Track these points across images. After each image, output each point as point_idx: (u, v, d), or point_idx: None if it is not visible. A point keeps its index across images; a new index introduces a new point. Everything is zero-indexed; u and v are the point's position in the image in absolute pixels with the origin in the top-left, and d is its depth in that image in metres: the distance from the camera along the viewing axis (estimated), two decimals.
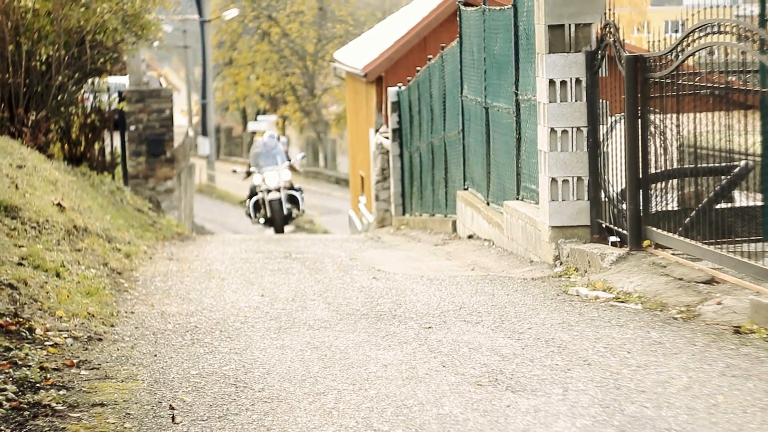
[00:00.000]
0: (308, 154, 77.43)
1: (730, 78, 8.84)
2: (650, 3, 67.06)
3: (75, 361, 7.22)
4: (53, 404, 6.20)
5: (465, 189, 16.97)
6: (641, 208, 10.19)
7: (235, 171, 28.71)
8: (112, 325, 8.65)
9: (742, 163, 9.04)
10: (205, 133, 59.57)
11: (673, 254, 9.76)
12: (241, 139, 76.07)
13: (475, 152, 16.09)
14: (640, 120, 10.17)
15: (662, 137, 10.06)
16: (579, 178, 11.26)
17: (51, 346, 7.54)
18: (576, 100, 11.21)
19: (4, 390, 6.32)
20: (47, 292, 8.93)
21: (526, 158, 12.82)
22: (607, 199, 11.03)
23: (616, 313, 8.57)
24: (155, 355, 7.56)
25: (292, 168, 27.01)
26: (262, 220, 26.61)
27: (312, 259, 14.04)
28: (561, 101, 11.22)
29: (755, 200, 9.04)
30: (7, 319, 7.80)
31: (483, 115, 15.23)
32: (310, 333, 8.29)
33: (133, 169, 24.79)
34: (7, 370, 6.75)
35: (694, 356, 7.04)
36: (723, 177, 9.36)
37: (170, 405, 6.25)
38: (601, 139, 11.10)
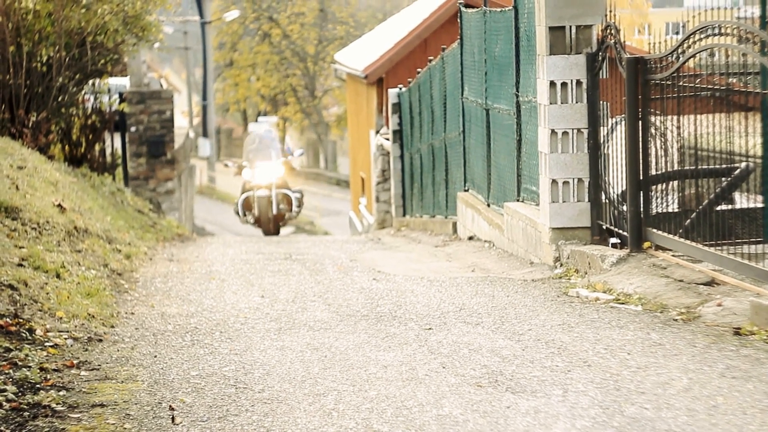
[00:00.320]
0: (309, 155, 77.45)
1: (730, 80, 8.84)
2: (651, 5, 67.10)
3: (75, 361, 7.22)
4: (53, 405, 6.20)
5: (465, 190, 16.97)
6: (642, 209, 10.18)
7: (227, 165, 26.07)
8: (112, 326, 8.65)
9: (743, 164, 9.04)
10: (205, 134, 59.57)
11: (673, 256, 9.76)
12: (241, 140, 76.09)
13: (476, 154, 16.09)
14: (640, 122, 10.17)
15: (663, 139, 10.07)
16: (579, 180, 11.26)
17: (51, 346, 7.54)
18: (577, 102, 11.21)
19: (4, 391, 6.32)
20: (47, 293, 8.93)
21: (527, 160, 12.82)
22: (607, 201, 11.03)
23: (617, 315, 8.57)
24: (155, 356, 7.56)
25: (288, 165, 24.39)
26: (251, 220, 23.71)
27: (312, 260, 14.04)
28: (562, 103, 11.22)
29: (756, 202, 9.03)
30: (8, 319, 7.80)
31: (483, 117, 15.23)
32: (311, 334, 8.29)
33: (134, 170, 24.80)
34: (7, 371, 6.75)
35: (694, 358, 7.04)
36: (723, 179, 9.36)
37: (170, 406, 6.25)
38: (602, 141, 11.10)
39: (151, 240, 16.12)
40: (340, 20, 68.78)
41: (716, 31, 8.83)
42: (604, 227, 11.08)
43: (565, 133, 11.25)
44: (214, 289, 10.97)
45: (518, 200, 13.30)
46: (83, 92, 19.42)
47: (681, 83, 9.58)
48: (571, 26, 11.21)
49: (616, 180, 10.78)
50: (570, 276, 10.68)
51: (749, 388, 6.29)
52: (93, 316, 8.69)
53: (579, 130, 11.23)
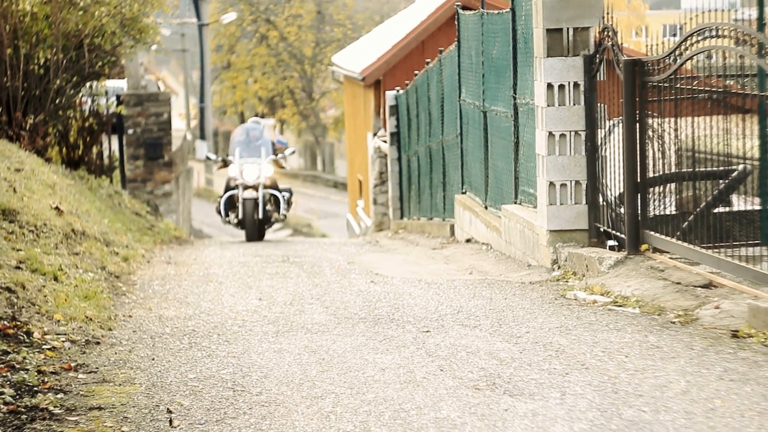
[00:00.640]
0: (306, 157, 77.45)
1: (728, 82, 8.84)
2: (648, 7, 67.14)
3: (72, 364, 7.22)
4: (51, 408, 6.20)
5: (463, 193, 16.97)
6: (639, 212, 10.19)
7: (208, 158, 22.83)
8: (110, 329, 8.64)
9: (740, 167, 9.04)
10: (203, 136, 59.53)
11: (671, 258, 9.76)
12: None
13: (473, 156, 16.09)
14: (638, 124, 10.17)
15: (660, 141, 10.07)
16: (577, 182, 11.26)
17: (48, 349, 7.54)
18: (574, 104, 11.21)
19: (2, 393, 6.32)
20: (45, 296, 8.92)
21: (524, 162, 12.82)
22: (605, 203, 11.03)
23: (614, 317, 8.57)
24: (153, 359, 7.56)
25: (277, 163, 21.42)
26: (233, 221, 21.03)
27: (310, 262, 14.04)
28: (559, 105, 11.22)
29: (753, 204, 9.04)
30: (5, 322, 7.80)
31: (481, 119, 15.23)
32: (308, 337, 8.29)
33: (131, 172, 24.80)
34: (4, 374, 6.74)
35: (692, 360, 7.04)
36: (721, 181, 9.36)
37: (168, 408, 6.25)
38: (599, 143, 11.10)
39: (148, 242, 16.12)
40: (337, 22, 68.78)
41: (713, 33, 8.83)
42: (601, 230, 11.09)
43: (562, 136, 11.25)
44: (211, 292, 10.97)
45: (516, 203, 13.30)
46: (81, 95, 19.42)
47: (678, 85, 9.59)
48: (568, 28, 11.21)
49: (614, 182, 10.78)
50: (567, 278, 10.68)
51: (747, 391, 6.29)
52: (90, 319, 8.69)
53: (576, 132, 11.24)
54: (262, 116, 68.62)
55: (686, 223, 9.52)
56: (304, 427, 5.88)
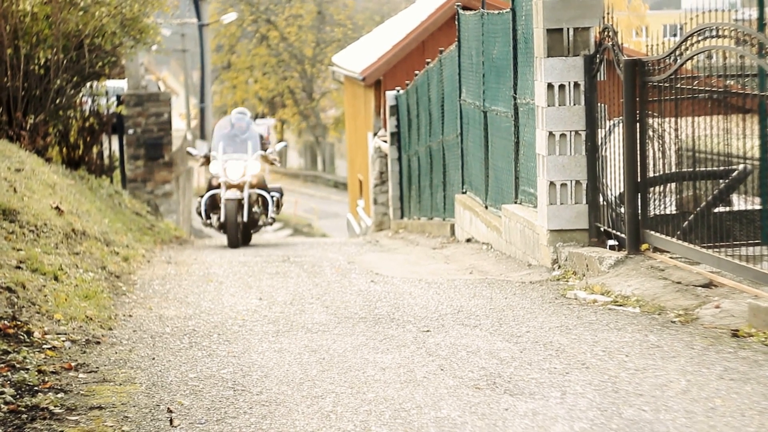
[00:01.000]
0: (307, 157, 77.44)
1: (728, 82, 8.84)
2: (649, 7, 67.13)
3: (73, 364, 7.22)
4: (51, 407, 6.20)
5: (463, 192, 16.97)
6: (639, 211, 10.19)
7: (189, 153, 20.08)
8: (110, 329, 8.64)
9: (741, 166, 9.04)
10: (203, 136, 59.52)
11: (671, 258, 9.76)
12: None
13: (474, 156, 16.09)
14: (638, 124, 10.17)
15: (660, 141, 10.07)
16: (577, 182, 11.26)
17: (49, 349, 7.54)
18: (574, 104, 11.21)
19: (2, 393, 6.32)
20: (45, 296, 8.93)
21: (525, 162, 12.82)
22: (605, 203, 11.03)
23: (614, 317, 8.57)
24: (153, 359, 7.56)
25: (266, 159, 18.63)
26: (215, 224, 18.33)
27: (310, 262, 14.04)
28: (559, 105, 11.22)
29: (753, 204, 9.04)
30: (5, 322, 7.80)
31: (481, 119, 15.23)
32: (309, 336, 8.29)
33: (132, 172, 24.80)
34: (5, 374, 6.74)
35: (692, 360, 7.04)
36: (721, 181, 9.36)
37: (168, 408, 6.25)
38: (600, 143, 11.10)
39: (148, 242, 16.12)
40: (337, 22, 68.79)
41: (714, 33, 8.83)
42: (601, 229, 11.09)
43: (562, 136, 11.25)
44: (212, 292, 10.97)
45: (516, 202, 13.30)
46: (81, 95, 19.43)
47: (679, 85, 9.58)
48: (568, 28, 11.21)
49: (614, 182, 10.78)
50: (568, 278, 10.68)
51: (747, 390, 6.29)
52: (91, 319, 8.69)
53: (577, 132, 11.23)
54: (263, 116, 68.62)
55: (686, 222, 9.52)
56: (305, 426, 5.88)
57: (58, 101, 18.05)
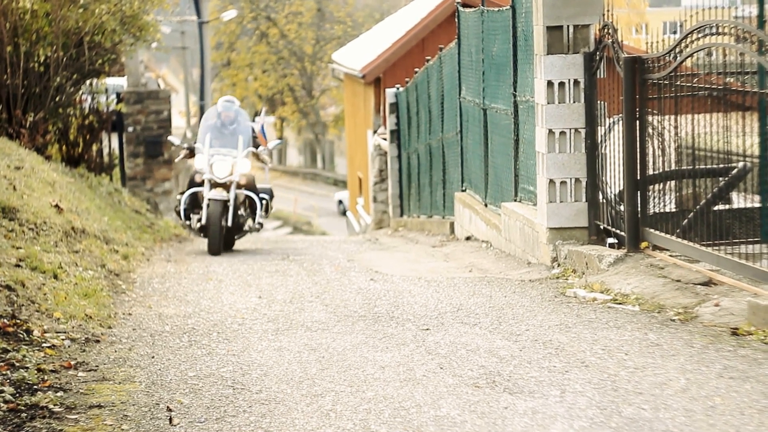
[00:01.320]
0: (306, 155, 77.42)
1: (728, 79, 8.83)
2: (648, 4, 67.11)
3: (72, 362, 7.22)
4: (50, 406, 6.20)
5: (463, 190, 16.97)
6: (639, 209, 10.18)
7: (172, 143, 18.10)
8: (110, 327, 8.64)
9: (740, 164, 9.04)
10: None
11: (670, 256, 9.76)
12: None
13: (473, 154, 16.09)
14: (638, 121, 10.16)
15: (660, 139, 10.06)
16: (577, 180, 11.26)
17: (48, 347, 7.54)
18: (574, 102, 11.21)
19: (2, 392, 6.32)
20: (45, 294, 8.92)
21: (524, 160, 12.82)
22: (604, 201, 11.03)
23: (614, 315, 8.56)
24: (153, 357, 7.55)
25: (257, 157, 16.53)
26: (196, 225, 16.09)
27: (310, 260, 14.04)
28: (559, 102, 11.22)
29: (753, 202, 9.03)
30: (5, 320, 7.80)
31: (481, 117, 15.23)
32: (308, 335, 8.29)
33: (131, 170, 24.81)
34: (4, 372, 6.74)
35: (692, 358, 7.04)
36: (721, 178, 9.35)
37: (168, 407, 6.25)
38: (599, 141, 11.10)
39: (148, 240, 16.11)
40: (337, 20, 68.79)
41: (714, 30, 8.82)
42: (601, 227, 11.08)
43: (562, 133, 11.25)
44: (211, 290, 10.97)
45: (516, 200, 13.30)
46: (81, 92, 19.43)
47: (678, 83, 9.58)
48: (568, 26, 11.21)
49: (614, 180, 10.78)
50: (567, 276, 10.68)
51: (747, 389, 6.28)
52: (90, 317, 8.69)
53: (576, 129, 11.23)
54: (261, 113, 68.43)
55: (686, 220, 9.51)
56: (304, 425, 5.88)
57: (57, 99, 18.05)
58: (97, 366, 7.22)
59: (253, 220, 16.29)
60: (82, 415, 6.08)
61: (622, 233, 10.43)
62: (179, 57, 70.45)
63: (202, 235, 16.06)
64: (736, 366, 6.78)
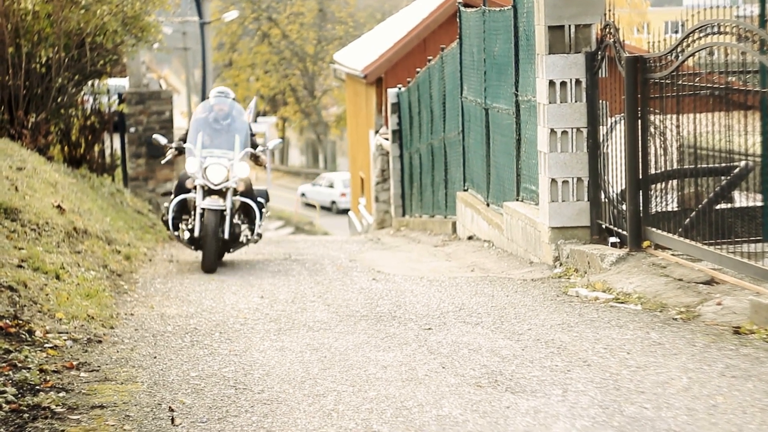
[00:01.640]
0: (308, 155, 77.42)
1: (730, 78, 8.83)
2: (650, 4, 67.08)
3: (74, 363, 7.22)
4: (53, 406, 6.20)
5: (465, 190, 16.97)
6: (641, 208, 10.18)
7: (156, 141, 14.65)
8: (112, 327, 8.64)
9: (742, 163, 9.03)
10: None
11: (672, 255, 9.76)
12: None
13: (475, 153, 16.09)
14: (639, 121, 10.16)
15: (662, 138, 10.06)
16: (579, 179, 11.25)
17: (50, 348, 7.54)
18: (576, 101, 11.21)
19: (4, 392, 6.32)
20: (47, 294, 8.93)
21: (526, 159, 12.82)
22: (606, 200, 11.03)
23: (616, 314, 8.56)
24: (155, 357, 7.56)
25: (256, 159, 14.23)
26: (185, 236, 13.73)
27: (312, 260, 14.04)
28: (561, 102, 11.22)
29: (755, 201, 9.03)
30: (7, 321, 7.80)
31: (483, 116, 15.23)
32: (310, 334, 8.29)
33: (133, 171, 24.80)
34: (6, 373, 6.75)
35: (694, 357, 7.04)
36: (723, 177, 9.35)
37: (170, 407, 6.25)
38: (601, 140, 11.10)
39: (150, 241, 16.12)
40: (339, 20, 68.80)
41: (715, 29, 8.82)
42: (603, 226, 11.08)
43: (564, 133, 11.25)
44: (213, 290, 10.97)
45: (518, 200, 13.30)
46: (82, 93, 19.43)
47: (680, 82, 9.58)
48: (570, 25, 11.21)
49: (616, 179, 10.77)
50: (569, 275, 10.68)
51: (749, 388, 6.28)
52: (92, 318, 8.69)
53: (578, 129, 11.23)
54: (264, 114, 68.58)
55: (688, 219, 9.51)
56: (306, 425, 5.88)
57: (59, 100, 18.05)
58: (99, 366, 7.23)
59: (251, 230, 14.03)
60: (84, 416, 6.08)
61: (624, 232, 10.43)
62: (181, 58, 70.48)
63: (192, 247, 13.91)
64: (738, 365, 6.78)
